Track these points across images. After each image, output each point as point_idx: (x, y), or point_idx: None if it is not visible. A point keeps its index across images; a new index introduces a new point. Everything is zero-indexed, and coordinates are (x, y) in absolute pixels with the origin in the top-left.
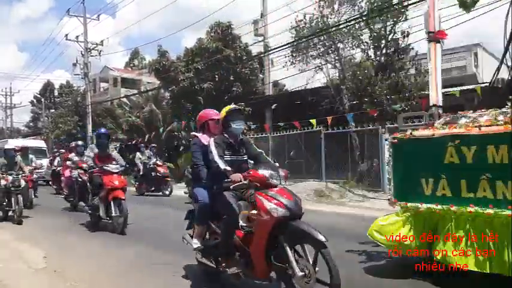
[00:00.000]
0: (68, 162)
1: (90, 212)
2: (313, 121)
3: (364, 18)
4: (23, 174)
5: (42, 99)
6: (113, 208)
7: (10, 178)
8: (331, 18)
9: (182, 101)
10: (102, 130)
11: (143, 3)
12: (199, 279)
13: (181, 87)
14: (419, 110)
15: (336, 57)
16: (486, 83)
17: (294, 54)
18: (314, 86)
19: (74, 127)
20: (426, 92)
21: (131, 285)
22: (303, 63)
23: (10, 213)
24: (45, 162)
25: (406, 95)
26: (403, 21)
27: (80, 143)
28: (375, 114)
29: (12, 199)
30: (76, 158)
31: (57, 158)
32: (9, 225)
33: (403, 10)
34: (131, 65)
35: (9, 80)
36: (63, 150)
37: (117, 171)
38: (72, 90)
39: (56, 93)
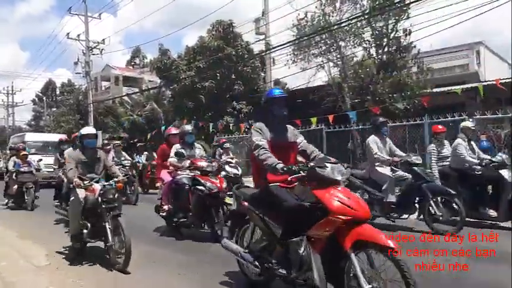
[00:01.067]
0: (172, 159)
1: (256, 264)
2: (314, 120)
3: (366, 16)
4: (117, 180)
5: (44, 98)
6: (358, 272)
7: (98, 187)
8: (332, 17)
9: (184, 99)
10: (277, 91)
11: (144, 2)
12: (204, 278)
13: (183, 85)
14: (421, 108)
15: (338, 56)
16: (489, 81)
17: (296, 53)
18: (316, 85)
19: (76, 126)
20: (428, 90)
21: (134, 284)
22: (305, 62)
23: (93, 243)
24: None
25: (408, 93)
26: (405, 19)
27: (188, 128)
28: (377, 113)
29: (106, 225)
30: (183, 152)
31: (111, 153)
32: (12, 222)
33: (404, 8)
34: (132, 63)
35: (11, 79)
36: (117, 142)
37: (339, 178)
38: (74, 89)
39: (58, 92)
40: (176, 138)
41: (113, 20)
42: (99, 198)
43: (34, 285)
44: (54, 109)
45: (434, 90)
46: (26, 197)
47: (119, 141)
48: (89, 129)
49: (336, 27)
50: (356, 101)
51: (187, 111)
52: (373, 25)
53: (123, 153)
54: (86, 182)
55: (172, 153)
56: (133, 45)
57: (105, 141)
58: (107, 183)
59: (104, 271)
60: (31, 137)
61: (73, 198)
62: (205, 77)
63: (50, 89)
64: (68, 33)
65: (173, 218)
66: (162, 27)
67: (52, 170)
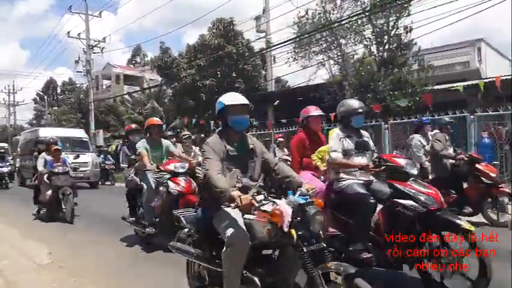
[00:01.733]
0: (336, 155)
1: None
2: None
3: (366, 13)
4: (309, 191)
5: (45, 97)
6: None
7: (287, 210)
8: (333, 14)
9: (184, 97)
10: None
11: (145, 0)
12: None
13: (184, 83)
14: (422, 106)
15: (339, 53)
16: (490, 78)
17: (296, 51)
18: (316, 82)
19: (77, 124)
20: (429, 88)
21: (136, 281)
22: (306, 60)
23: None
24: (88, 158)
25: (409, 90)
26: (406, 16)
27: (356, 104)
28: (378, 111)
29: (315, 278)
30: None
31: (179, 148)
32: (14, 221)
33: (405, 5)
34: (133, 62)
35: (11, 78)
36: (187, 133)
37: None
38: (75, 88)
39: (59, 91)
40: (319, 121)
41: (114, 19)
42: (293, 232)
43: (36, 284)
44: (56, 108)
45: (436, 87)
46: (63, 206)
47: (188, 133)
48: (237, 97)
49: (336, 24)
50: (357, 98)
51: (188, 110)
52: (374, 22)
53: (194, 147)
54: (265, 202)
55: (333, 145)
56: (134, 44)
57: (169, 133)
58: (302, 198)
59: (107, 269)
60: (46, 132)
61: (232, 231)
62: (206, 75)
63: (51, 87)
64: (69, 32)
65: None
66: (162, 26)
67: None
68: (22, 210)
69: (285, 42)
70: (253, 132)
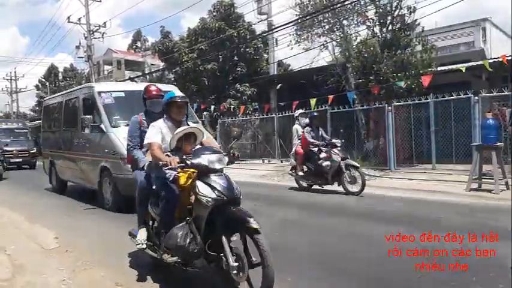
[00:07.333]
0: None
1: None
2: (313, 101)
3: None
4: None
5: (47, 83)
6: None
7: None
8: None
9: (186, 82)
10: None
11: None
12: None
13: (185, 68)
14: (426, 88)
15: (341, 35)
16: (495, 58)
17: (299, 33)
18: (319, 65)
19: None
20: (432, 69)
21: (142, 265)
22: (308, 42)
23: None
24: None
25: (413, 72)
26: None
27: None
28: (381, 92)
29: None
30: None
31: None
32: (21, 205)
33: None
34: (134, 47)
35: (12, 64)
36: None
37: None
38: (76, 74)
39: (61, 77)
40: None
41: (113, 3)
42: None
43: (43, 267)
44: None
45: (439, 68)
46: None
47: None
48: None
49: (339, 5)
50: (360, 80)
51: (191, 94)
52: (377, 3)
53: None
54: None
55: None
56: (134, 28)
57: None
58: None
59: (114, 254)
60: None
61: None
62: (207, 59)
63: (53, 74)
64: (69, 17)
65: None
66: (163, 10)
67: None
68: (27, 197)
69: (286, 24)
70: (257, 116)
